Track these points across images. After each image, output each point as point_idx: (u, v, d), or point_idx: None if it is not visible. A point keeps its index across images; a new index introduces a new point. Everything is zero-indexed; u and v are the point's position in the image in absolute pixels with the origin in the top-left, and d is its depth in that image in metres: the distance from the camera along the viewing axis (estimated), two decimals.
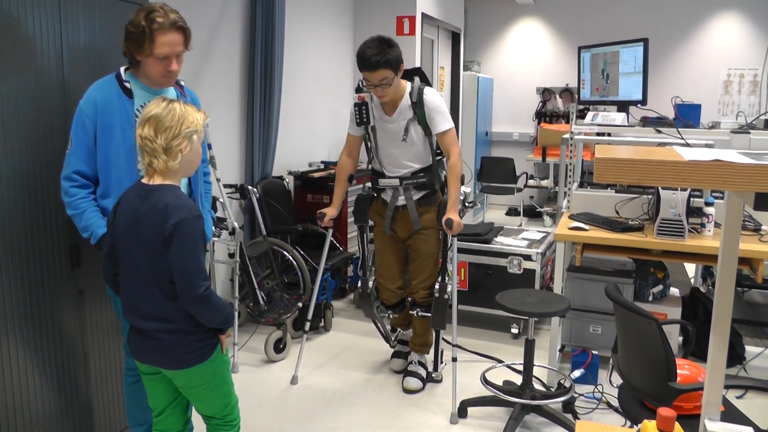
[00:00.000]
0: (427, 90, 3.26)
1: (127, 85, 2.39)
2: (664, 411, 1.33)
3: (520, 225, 7.46)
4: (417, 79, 3.33)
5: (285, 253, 4.38)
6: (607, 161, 1.10)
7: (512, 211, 8.61)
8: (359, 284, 3.65)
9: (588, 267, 3.86)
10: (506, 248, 4.30)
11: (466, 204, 3.47)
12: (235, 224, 3.84)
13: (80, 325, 2.69)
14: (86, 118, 2.33)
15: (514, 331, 4.29)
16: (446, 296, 3.37)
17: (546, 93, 8.22)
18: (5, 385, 2.38)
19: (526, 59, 8.90)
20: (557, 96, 8.38)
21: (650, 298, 3.70)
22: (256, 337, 4.18)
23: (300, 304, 4.23)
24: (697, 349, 3.74)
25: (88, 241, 2.39)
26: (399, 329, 3.85)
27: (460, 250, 4.37)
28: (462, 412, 3.28)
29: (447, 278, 3.40)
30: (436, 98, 3.26)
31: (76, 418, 2.71)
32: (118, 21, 2.74)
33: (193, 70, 4.07)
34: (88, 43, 2.63)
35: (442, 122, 3.24)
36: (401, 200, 3.39)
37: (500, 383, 3.42)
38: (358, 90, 3.36)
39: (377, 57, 3.06)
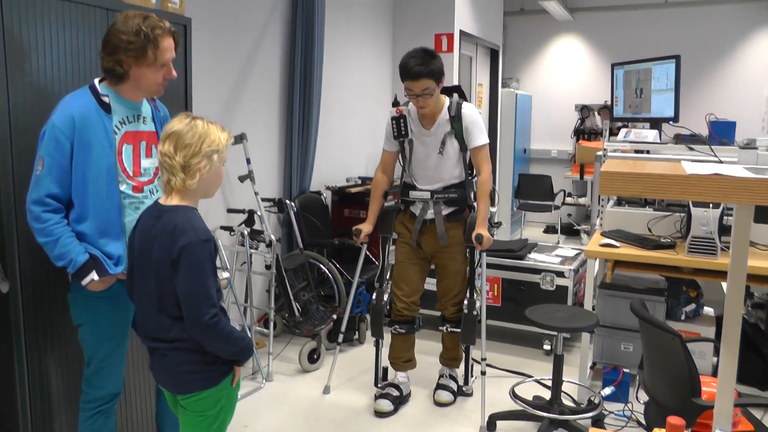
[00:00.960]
0: (465, 104, 3.32)
1: (105, 99, 2.23)
2: (673, 419, 1.36)
3: (558, 243, 7.43)
4: (456, 95, 3.39)
5: (321, 266, 4.48)
6: (610, 174, 1.15)
7: (550, 229, 8.57)
8: (373, 296, 3.59)
9: (621, 285, 3.85)
10: (539, 264, 4.32)
11: (493, 224, 3.48)
12: (272, 237, 3.95)
13: None
14: (61, 135, 2.13)
15: (547, 347, 4.29)
16: (475, 312, 3.37)
17: (584, 110, 8.19)
18: (39, 379, 2.52)
19: (565, 76, 8.89)
20: (596, 113, 8.35)
21: (682, 317, 3.67)
22: (290, 348, 4.28)
23: (335, 317, 4.31)
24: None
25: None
26: (395, 370, 3.65)
27: (494, 266, 4.41)
28: (491, 425, 3.30)
29: (476, 294, 3.42)
30: (474, 113, 3.33)
31: None
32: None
33: (233, 87, 4.22)
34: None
35: (479, 137, 3.30)
36: (430, 214, 3.40)
37: (530, 398, 3.43)
38: (395, 104, 3.44)
39: (420, 67, 3.12)
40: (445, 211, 3.40)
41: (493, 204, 3.37)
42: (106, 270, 2.22)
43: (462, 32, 6.36)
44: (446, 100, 3.35)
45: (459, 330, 3.45)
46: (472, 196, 3.43)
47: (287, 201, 4.52)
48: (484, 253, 3.41)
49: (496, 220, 3.50)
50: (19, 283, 2.37)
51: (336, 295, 4.44)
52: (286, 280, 4.17)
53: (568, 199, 8.06)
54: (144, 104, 2.39)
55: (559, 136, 8.86)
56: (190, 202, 1.98)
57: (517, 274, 4.37)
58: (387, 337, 3.60)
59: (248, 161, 4.01)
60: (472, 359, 3.65)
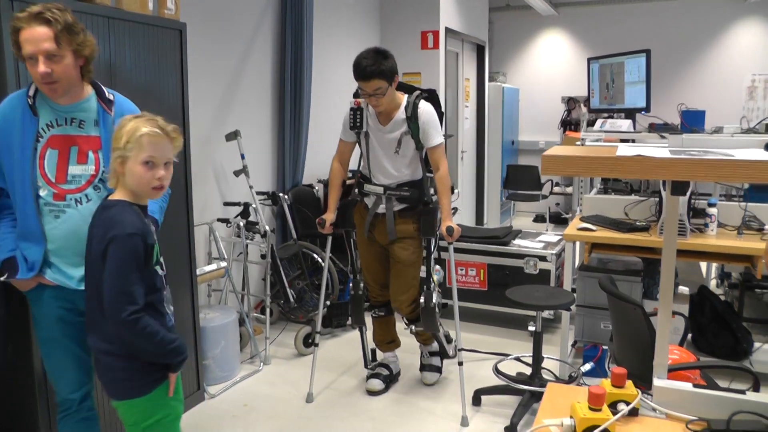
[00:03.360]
0: (422, 104, 3.32)
1: (30, 101, 2.12)
2: (617, 369, 1.56)
3: (546, 231, 7.64)
4: (416, 93, 3.38)
5: (314, 255, 4.67)
6: (550, 158, 1.35)
7: (539, 218, 8.78)
8: (351, 286, 3.69)
9: (600, 267, 4.05)
10: (523, 250, 4.53)
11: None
12: (267, 228, 4.14)
13: None
14: None
15: (531, 328, 4.50)
16: (432, 305, 3.35)
17: (570, 102, 8.39)
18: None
19: (551, 69, 9.11)
20: (581, 105, 8.54)
21: (658, 295, 3.88)
22: (286, 333, 4.48)
23: (328, 303, 4.51)
24: (704, 344, 3.92)
25: None
26: (382, 352, 3.82)
27: (480, 252, 4.62)
28: (476, 399, 3.51)
29: (433, 287, 3.41)
30: (429, 112, 3.32)
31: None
32: (158, 46, 3.07)
33: (227, 86, 4.40)
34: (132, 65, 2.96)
35: (435, 137, 3.31)
36: (381, 208, 3.43)
37: (513, 375, 3.64)
38: (356, 95, 3.45)
39: (372, 67, 3.15)
40: (397, 207, 3.41)
41: (453, 193, 3.42)
42: (15, 273, 2.17)
43: (448, 29, 6.54)
44: (404, 98, 3.35)
45: (422, 328, 3.49)
46: (429, 192, 3.45)
47: (281, 194, 4.71)
48: (452, 247, 3.48)
49: (452, 207, 3.56)
50: None
51: (330, 282, 4.63)
52: (281, 269, 4.36)
53: (556, 189, 8.27)
54: (85, 108, 2.19)
55: (547, 127, 9.06)
56: (128, 198, 1.95)
57: (502, 259, 4.57)
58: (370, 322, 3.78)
59: (242, 156, 4.19)
60: (445, 333, 3.66)
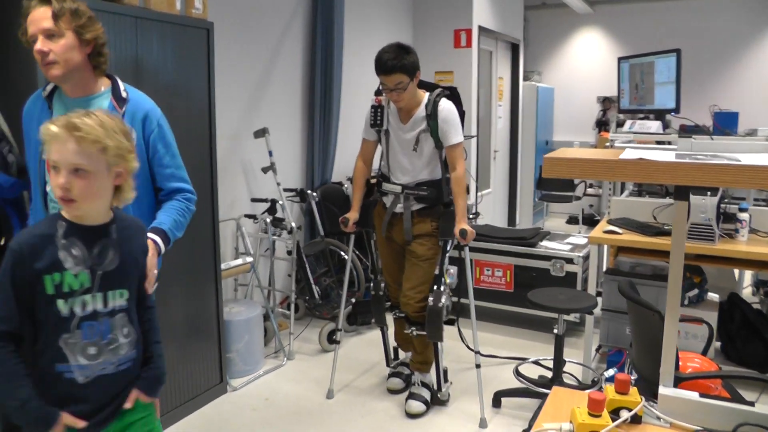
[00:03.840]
0: (442, 102, 3.29)
1: (44, 93, 2.12)
2: (621, 376, 1.54)
3: (579, 233, 7.54)
4: (438, 90, 3.35)
5: (341, 252, 4.70)
6: (552, 160, 1.34)
7: (572, 220, 8.67)
8: (371, 288, 3.69)
9: (626, 271, 3.99)
10: (550, 252, 4.48)
11: (469, 215, 3.52)
12: (293, 224, 4.18)
13: None
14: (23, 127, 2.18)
15: (556, 331, 4.44)
16: (440, 305, 3.24)
17: (606, 102, 8.27)
18: None
19: (587, 68, 8.99)
20: (617, 104, 8.41)
21: (685, 302, 3.80)
22: (310, 329, 4.53)
23: (354, 300, 4.54)
24: (734, 353, 3.83)
25: None
26: (403, 351, 3.79)
27: (506, 253, 4.59)
28: (496, 401, 3.49)
29: (443, 288, 3.32)
30: (449, 110, 3.29)
31: None
32: (186, 45, 3.13)
33: (256, 83, 4.46)
34: (160, 64, 3.03)
35: (454, 135, 3.28)
36: (399, 208, 3.40)
37: (535, 378, 3.61)
38: (378, 93, 3.43)
39: (393, 61, 3.14)
40: (415, 206, 3.38)
41: (468, 194, 3.36)
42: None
43: (481, 27, 6.51)
44: (425, 96, 3.33)
45: (425, 332, 3.34)
46: (448, 193, 3.39)
47: (309, 191, 4.75)
48: (467, 249, 3.41)
49: (473, 211, 3.55)
50: None
51: (355, 280, 4.66)
52: (307, 265, 4.40)
53: (590, 190, 8.16)
54: (95, 103, 2.09)
55: (582, 127, 8.95)
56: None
57: (529, 260, 4.53)
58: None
59: (270, 153, 4.24)
60: (444, 367, 3.55)
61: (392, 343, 3.88)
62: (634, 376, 3.09)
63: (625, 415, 1.49)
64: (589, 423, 1.43)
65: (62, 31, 1.95)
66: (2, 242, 2.33)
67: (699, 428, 1.49)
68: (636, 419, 1.52)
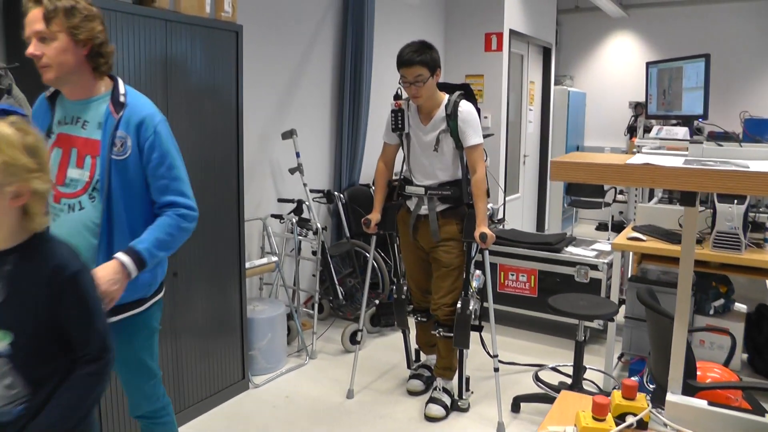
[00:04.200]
0: (462, 103, 3.30)
1: (47, 94, 2.11)
2: (628, 381, 1.55)
3: (608, 240, 7.46)
4: (456, 93, 3.37)
5: (367, 254, 4.73)
6: (557, 164, 1.36)
7: (602, 226, 8.58)
8: (394, 291, 3.73)
9: (650, 279, 3.95)
10: (574, 257, 4.45)
11: (494, 221, 3.50)
12: (319, 225, 4.24)
13: (173, 303, 3.14)
14: None
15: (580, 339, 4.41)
16: (468, 312, 3.29)
17: (638, 107, 8.15)
18: None
19: (619, 73, 8.90)
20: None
21: (711, 312, 3.75)
22: (333, 329, 4.56)
23: (377, 302, 4.57)
24: (761, 365, 3.76)
25: None
26: (422, 353, 3.85)
27: (531, 258, 4.58)
28: (515, 406, 3.49)
29: (471, 293, 3.37)
30: (469, 111, 3.30)
31: (167, 383, 3.16)
32: (215, 47, 3.20)
33: (286, 86, 4.52)
34: (190, 66, 3.10)
35: (473, 137, 3.28)
36: (424, 210, 3.41)
37: (555, 384, 3.60)
38: (396, 97, 3.48)
39: (414, 54, 3.18)
40: (440, 207, 3.39)
41: (488, 197, 3.35)
42: None
43: (512, 31, 6.49)
44: (445, 97, 3.35)
45: (452, 335, 3.36)
46: (468, 193, 3.39)
47: (336, 192, 4.79)
48: (487, 253, 3.40)
49: (499, 217, 3.53)
50: None
51: (380, 282, 4.69)
52: (332, 266, 4.45)
53: (620, 197, 8.06)
54: (93, 106, 2.03)
55: (613, 133, 8.86)
56: None
57: (553, 266, 4.51)
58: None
59: (297, 155, 4.30)
60: (466, 375, 3.56)
61: (414, 345, 3.90)
62: (653, 385, 3.06)
63: (630, 420, 1.49)
64: (592, 426, 1.44)
65: (54, 33, 1.88)
66: None
67: None
68: (642, 425, 1.52)
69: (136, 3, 2.86)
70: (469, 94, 3.46)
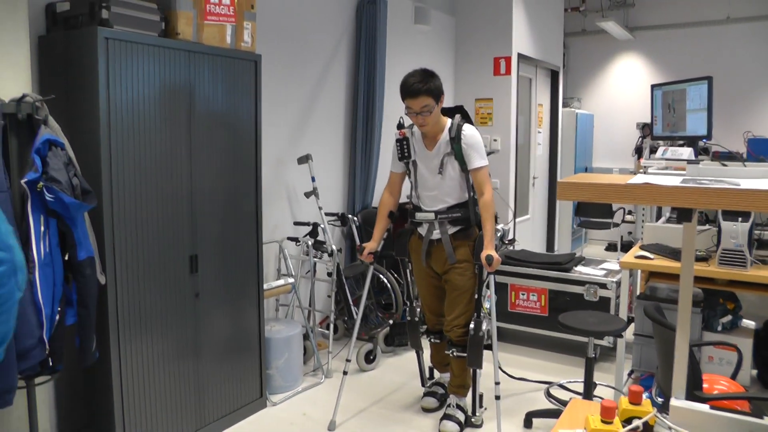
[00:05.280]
0: (466, 126, 3.38)
1: None
2: (634, 387, 1.64)
3: (618, 259, 7.53)
4: (458, 117, 3.43)
5: (380, 276, 4.84)
6: (564, 185, 1.47)
7: (611, 247, 8.65)
8: (407, 313, 3.80)
9: (659, 296, 4.02)
10: (584, 277, 4.54)
11: (504, 241, 3.56)
12: (333, 247, 4.35)
13: (195, 323, 3.26)
14: None
15: (591, 355, 4.48)
16: (481, 333, 3.34)
17: (645, 128, 8.26)
18: (131, 368, 2.98)
19: (626, 95, 9.05)
20: None
21: (719, 328, 3.81)
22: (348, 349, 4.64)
23: (391, 322, 4.67)
24: None
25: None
26: (436, 371, 3.92)
27: (541, 278, 4.66)
28: (527, 422, 3.56)
29: (483, 315, 3.42)
30: (473, 135, 3.36)
31: (186, 404, 3.27)
32: (235, 76, 3.35)
33: (300, 110, 4.67)
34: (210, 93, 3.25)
35: (477, 159, 3.34)
36: (436, 234, 3.45)
37: (567, 400, 3.66)
38: (400, 126, 3.54)
39: (419, 84, 3.23)
40: (451, 230, 3.44)
41: (497, 221, 3.37)
42: None
43: (520, 55, 6.64)
44: (448, 121, 3.41)
45: (465, 354, 3.43)
46: (477, 214, 3.44)
47: (350, 215, 4.92)
48: (493, 275, 3.44)
49: (509, 237, 3.60)
50: (115, 275, 2.84)
51: (393, 302, 4.79)
52: (347, 287, 4.55)
53: (628, 217, 8.14)
54: None
55: (621, 154, 8.97)
56: None
57: (563, 285, 4.60)
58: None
59: (313, 179, 4.43)
60: (480, 392, 3.62)
61: (427, 364, 3.98)
62: (661, 399, 3.13)
63: (636, 423, 1.58)
64: (601, 429, 1.53)
65: None
66: (66, 257, 2.54)
67: None
68: (648, 429, 1.61)
69: (161, 36, 3.01)
70: (464, 115, 3.51)
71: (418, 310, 3.76)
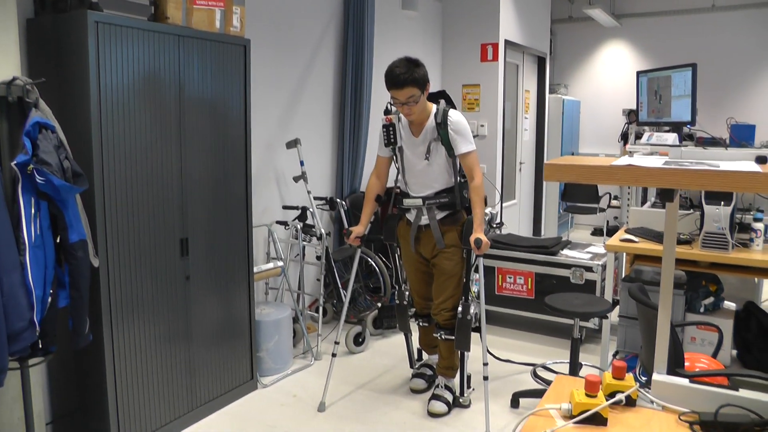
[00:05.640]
0: (451, 112, 3.37)
1: None
2: (617, 363, 1.70)
3: (604, 244, 7.62)
4: (443, 102, 3.43)
5: (369, 259, 4.88)
6: (551, 166, 1.51)
7: (597, 231, 8.75)
8: (395, 297, 3.81)
9: (644, 279, 4.09)
10: (570, 260, 4.61)
11: (493, 225, 3.58)
12: (323, 230, 4.38)
13: (186, 305, 3.29)
14: None
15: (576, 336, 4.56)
16: (469, 317, 3.38)
17: (632, 114, 8.32)
18: (124, 350, 3.01)
19: (613, 81, 9.11)
20: None
21: (701, 309, 3.89)
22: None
23: (379, 305, 4.72)
24: (751, 361, 3.91)
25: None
26: (425, 353, 3.97)
27: (528, 261, 4.73)
28: (514, 402, 3.63)
29: (471, 298, 3.46)
30: (459, 120, 3.35)
31: (178, 386, 3.31)
32: (224, 61, 3.36)
33: (290, 96, 4.68)
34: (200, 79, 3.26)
35: (464, 144, 3.33)
36: (424, 220, 3.47)
37: (552, 380, 3.73)
38: (387, 112, 3.54)
39: (405, 75, 3.18)
40: (439, 215, 3.46)
41: (486, 204, 3.40)
42: None
43: (507, 41, 6.67)
44: (433, 107, 3.40)
45: (453, 337, 3.47)
46: (463, 198, 3.46)
47: (338, 200, 4.95)
48: (481, 258, 3.44)
49: (497, 221, 3.62)
50: (107, 258, 2.86)
51: (381, 286, 4.84)
52: (336, 271, 4.60)
53: (614, 202, 8.23)
54: None
55: (607, 140, 9.04)
56: None
57: (550, 268, 4.67)
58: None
59: (302, 163, 4.45)
60: (468, 373, 3.68)
61: (416, 346, 4.04)
62: (645, 377, 3.21)
63: (619, 396, 1.64)
64: (585, 402, 1.59)
65: None
66: (58, 240, 2.56)
67: (687, 410, 1.63)
68: (630, 402, 1.67)
69: (151, 20, 3.02)
70: (448, 101, 3.52)
71: (407, 293, 3.80)
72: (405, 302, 3.79)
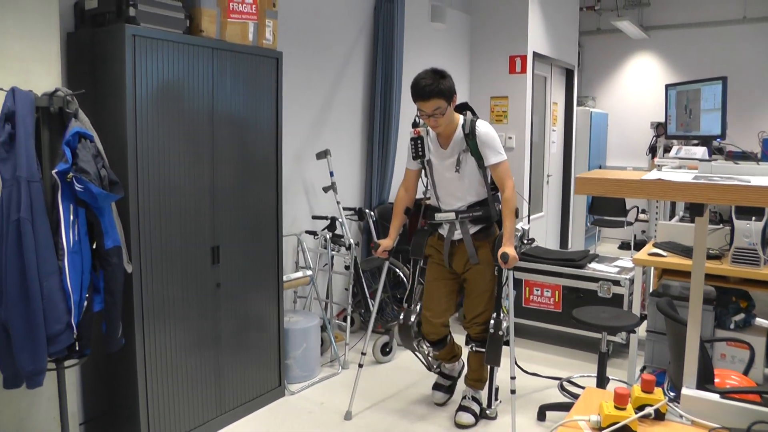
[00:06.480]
0: (479, 122, 3.34)
1: None
2: (646, 376, 1.70)
3: (631, 257, 7.55)
4: (469, 113, 3.40)
5: (397, 270, 4.91)
6: (581, 179, 1.53)
7: (624, 245, 8.67)
8: (401, 316, 3.67)
9: (672, 294, 4.06)
10: (597, 273, 4.59)
11: (524, 241, 3.54)
12: (351, 240, 4.42)
13: (216, 312, 3.34)
14: None
15: (604, 350, 4.52)
16: (501, 332, 3.34)
17: (659, 127, 8.25)
18: (155, 355, 3.07)
19: (641, 93, 9.05)
20: None
21: (731, 326, 3.84)
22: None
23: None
24: None
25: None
26: (441, 361, 3.86)
27: (555, 274, 4.71)
28: (541, 415, 3.62)
29: (502, 314, 3.42)
30: (488, 130, 3.32)
31: (207, 391, 3.36)
32: (257, 73, 3.43)
33: (320, 106, 4.74)
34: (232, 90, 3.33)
35: (493, 155, 3.30)
36: (458, 234, 3.43)
37: (579, 393, 3.72)
38: (415, 125, 3.51)
39: (431, 87, 3.16)
40: (472, 229, 3.42)
41: (517, 216, 3.35)
42: None
43: (536, 54, 6.68)
44: (460, 118, 3.37)
45: (484, 350, 3.44)
46: (497, 211, 3.42)
47: (367, 210, 4.99)
48: (511, 272, 3.42)
49: (528, 237, 3.58)
50: (140, 265, 2.93)
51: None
52: (364, 281, 4.63)
53: (642, 216, 8.15)
54: None
55: (635, 153, 8.98)
56: None
57: (577, 282, 4.65)
58: None
59: (331, 174, 4.50)
60: (496, 386, 3.65)
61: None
62: (673, 393, 3.18)
63: (648, 410, 1.64)
64: (614, 414, 1.59)
65: None
66: (94, 246, 2.63)
67: (717, 426, 1.62)
68: (659, 416, 1.67)
69: (186, 33, 3.09)
70: (470, 111, 3.47)
71: (413, 316, 3.63)
72: (410, 323, 3.62)
